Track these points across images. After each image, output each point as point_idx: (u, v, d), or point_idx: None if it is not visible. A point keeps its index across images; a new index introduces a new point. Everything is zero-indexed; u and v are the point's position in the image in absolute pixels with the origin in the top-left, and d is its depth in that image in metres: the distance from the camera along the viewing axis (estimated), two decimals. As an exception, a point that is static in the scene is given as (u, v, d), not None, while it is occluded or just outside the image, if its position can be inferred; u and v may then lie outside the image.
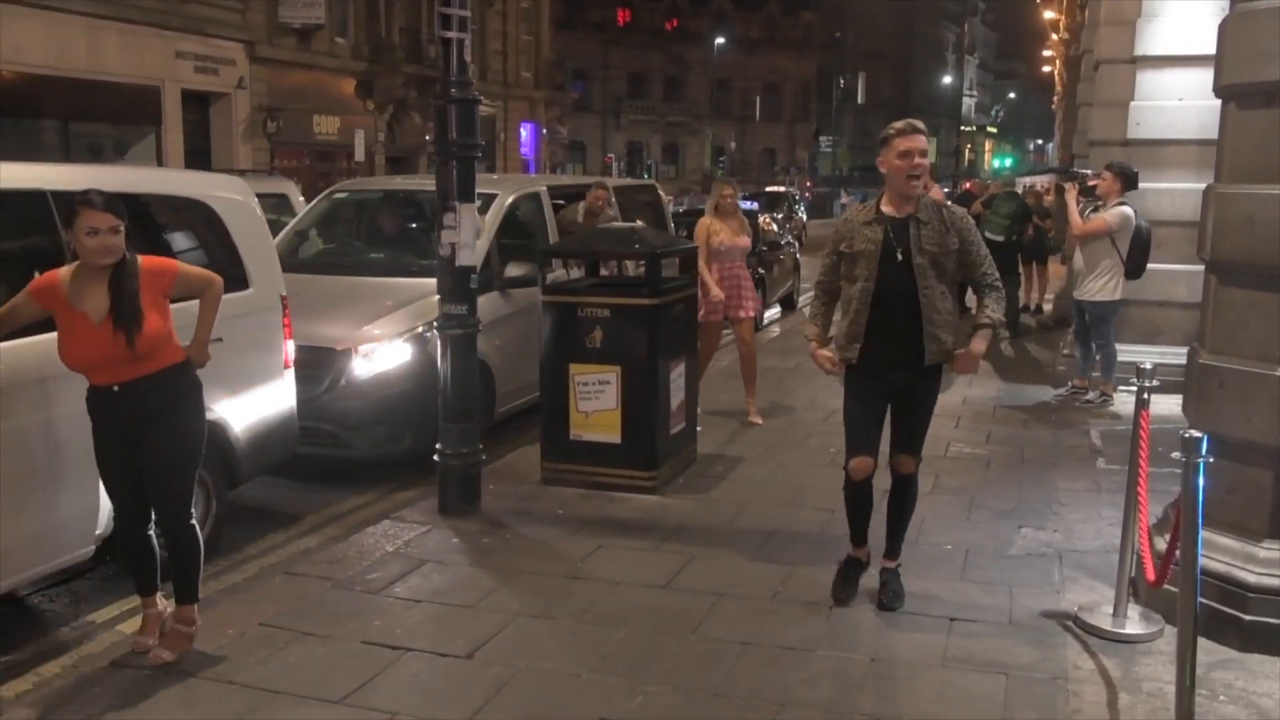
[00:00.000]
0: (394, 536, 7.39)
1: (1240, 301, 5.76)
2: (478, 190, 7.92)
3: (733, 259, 10.59)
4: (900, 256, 5.79)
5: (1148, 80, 11.97)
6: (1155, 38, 11.81)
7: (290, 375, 7.88)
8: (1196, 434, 4.45)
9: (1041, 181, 30.97)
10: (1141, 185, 11.04)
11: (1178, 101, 11.56)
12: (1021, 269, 18.11)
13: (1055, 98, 54.65)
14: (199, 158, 28.05)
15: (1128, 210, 10.80)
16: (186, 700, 5.15)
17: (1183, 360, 6.46)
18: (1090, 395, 11.50)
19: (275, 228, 10.55)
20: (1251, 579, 5.55)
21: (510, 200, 11.07)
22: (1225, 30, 5.96)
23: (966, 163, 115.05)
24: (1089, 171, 12.18)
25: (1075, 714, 5.01)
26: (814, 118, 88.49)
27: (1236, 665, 5.41)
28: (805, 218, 30.71)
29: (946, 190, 22.67)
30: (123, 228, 5.22)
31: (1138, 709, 5.05)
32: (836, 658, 5.51)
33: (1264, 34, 5.58)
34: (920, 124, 5.93)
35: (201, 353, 5.61)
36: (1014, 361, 14.54)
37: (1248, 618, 5.52)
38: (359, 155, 34.37)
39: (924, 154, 5.80)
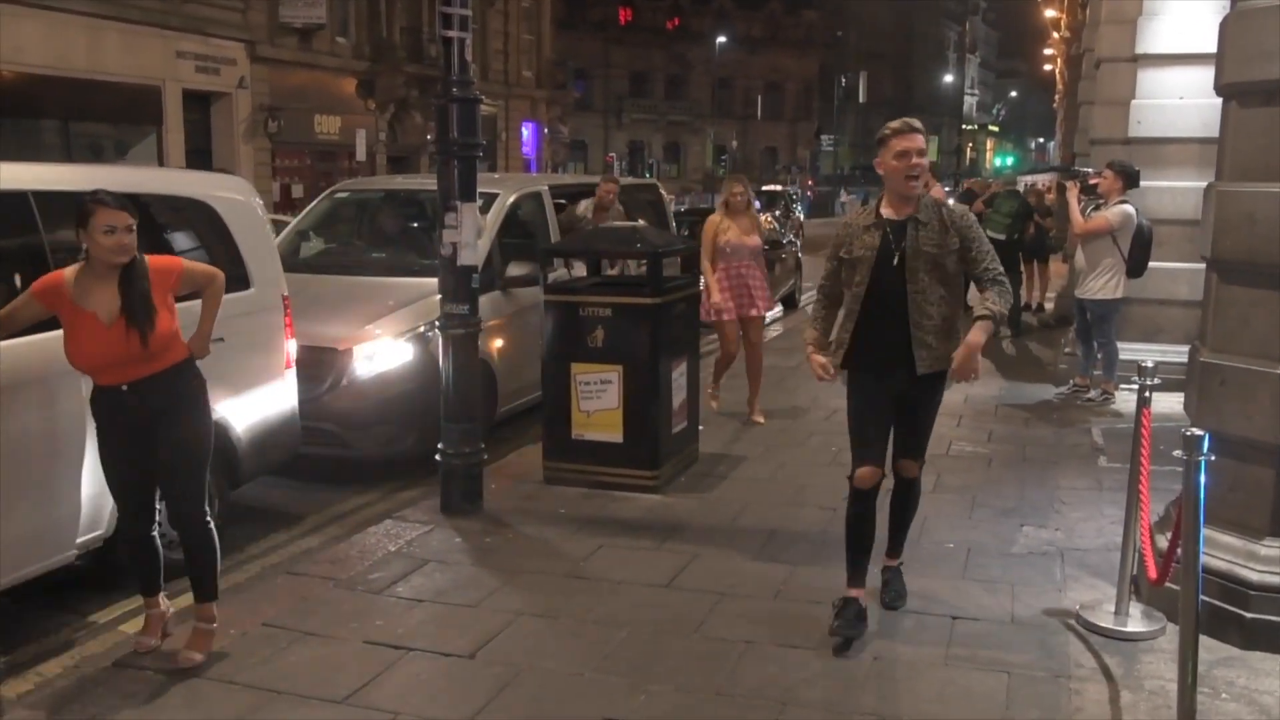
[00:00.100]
0: (396, 536, 7.39)
1: (1241, 300, 5.77)
2: (479, 189, 7.92)
3: (740, 258, 10.48)
4: (898, 260, 5.64)
5: (1149, 79, 11.96)
6: (1156, 36, 11.81)
7: (292, 375, 7.88)
8: (1198, 432, 4.45)
9: (1043, 180, 31.00)
10: (1143, 184, 11.04)
11: (1179, 100, 11.56)
12: (1023, 268, 18.11)
13: (1056, 96, 54.63)
14: (200, 158, 28.04)
15: (1129, 209, 10.80)
16: (189, 700, 5.15)
17: (1184, 358, 6.46)
18: (1092, 393, 11.50)
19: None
20: (1253, 576, 5.55)
21: (512, 199, 11.07)
22: (1226, 29, 5.96)
23: (968, 161, 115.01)
24: (1090, 170, 12.17)
25: (1077, 712, 5.01)
26: (816, 117, 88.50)
27: (1238, 663, 5.41)
28: (802, 217, 30.73)
29: (948, 189, 22.62)
30: (135, 226, 5.24)
31: (1140, 707, 5.05)
32: (839, 656, 5.50)
33: (1265, 33, 5.58)
34: (917, 123, 5.80)
35: (204, 346, 5.61)
36: (1016, 360, 14.54)
37: (1249, 615, 5.53)
38: (360, 155, 34.37)
39: (922, 153, 5.68)
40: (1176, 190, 11.47)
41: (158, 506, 5.76)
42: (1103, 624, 5.84)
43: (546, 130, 50.66)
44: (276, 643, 5.69)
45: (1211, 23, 6.63)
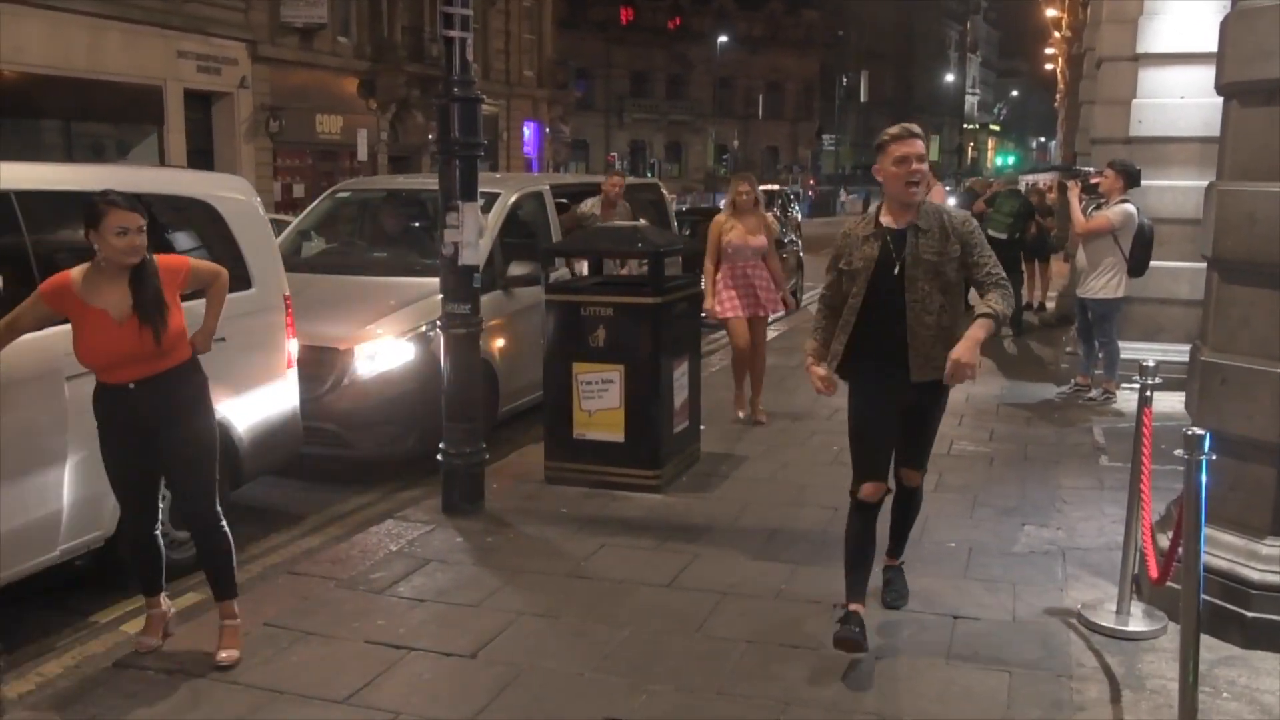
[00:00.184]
0: (397, 536, 7.40)
1: (1242, 299, 5.77)
2: (480, 189, 7.92)
3: (744, 259, 10.33)
4: (898, 269, 5.51)
5: (1150, 78, 11.97)
6: (1157, 35, 11.81)
7: (293, 375, 7.89)
8: (1199, 431, 4.45)
9: (1044, 179, 30.99)
10: (1144, 183, 11.04)
11: (1180, 99, 11.57)
12: (1024, 267, 18.12)
13: (1057, 96, 54.62)
14: (201, 157, 28.04)
15: (1130, 208, 10.80)
16: (190, 700, 5.15)
17: (1185, 357, 6.46)
18: (1093, 393, 11.50)
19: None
20: (1254, 576, 5.56)
21: (513, 199, 11.07)
22: (1226, 28, 5.96)
23: (969, 161, 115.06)
24: (1091, 169, 12.16)
25: (1079, 711, 5.02)
26: (817, 116, 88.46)
27: (1240, 662, 5.41)
28: (800, 217, 30.68)
29: (949, 189, 22.61)
30: (145, 226, 5.27)
31: (1141, 706, 5.06)
32: (840, 656, 5.50)
33: (1265, 32, 5.58)
34: (916, 128, 5.65)
35: (208, 342, 5.64)
36: (1017, 359, 14.54)
37: (1250, 614, 5.53)
38: (362, 154, 34.37)
39: (922, 159, 5.54)
40: (1177, 189, 11.48)
41: (160, 505, 5.76)
42: (1104, 623, 5.84)
43: (548, 130, 50.66)
44: (278, 643, 5.69)
45: (1212, 22, 6.63)
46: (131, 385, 5.29)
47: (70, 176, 7.23)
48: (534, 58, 49.03)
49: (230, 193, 7.76)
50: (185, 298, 5.54)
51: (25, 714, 5.09)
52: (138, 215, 5.22)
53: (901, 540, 6.31)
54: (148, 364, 5.28)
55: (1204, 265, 6.21)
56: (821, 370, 5.79)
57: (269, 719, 5.01)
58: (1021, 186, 22.26)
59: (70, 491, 6.03)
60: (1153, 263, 11.02)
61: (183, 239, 7.24)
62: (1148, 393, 5.90)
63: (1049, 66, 65.96)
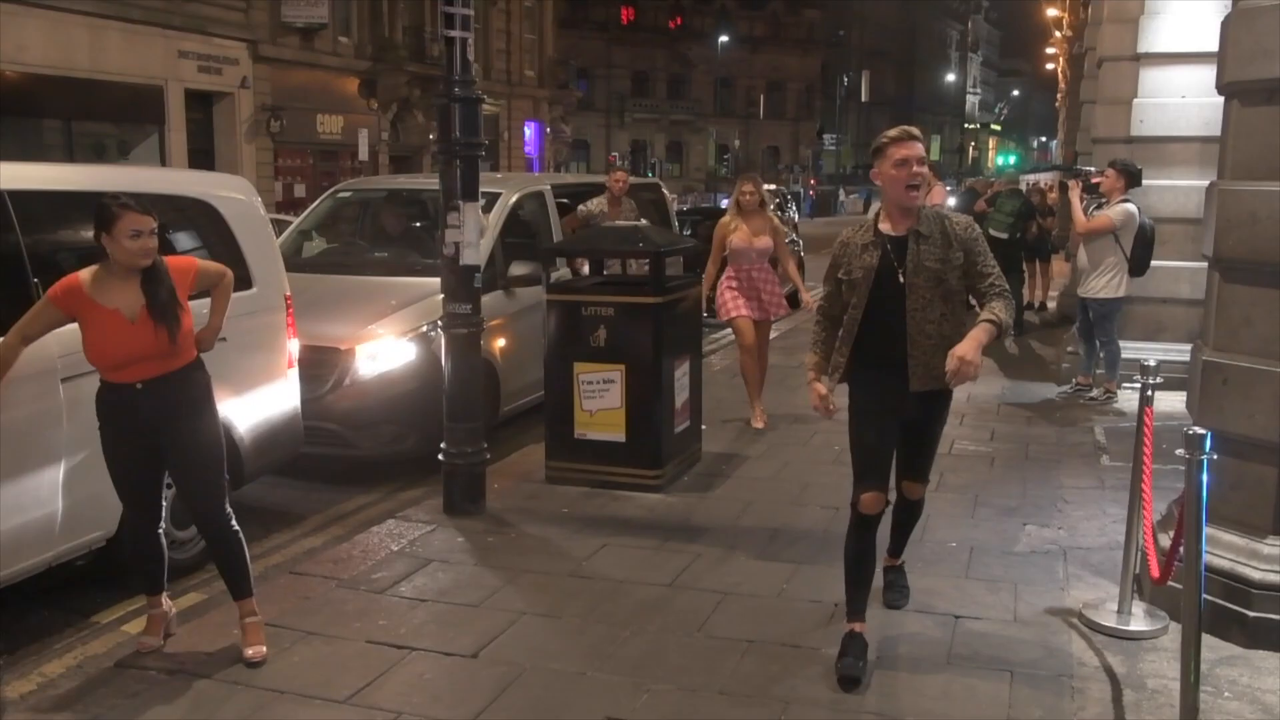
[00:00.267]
0: (399, 536, 7.40)
1: (1243, 298, 5.77)
2: (481, 189, 7.93)
3: (748, 261, 10.20)
4: (900, 278, 5.34)
5: (1151, 77, 11.96)
6: (1158, 35, 11.80)
7: (294, 375, 7.88)
8: (1200, 431, 4.45)
9: (1045, 179, 30.98)
10: (1145, 182, 11.04)
11: (1181, 99, 11.55)
12: (1025, 267, 18.12)
13: (1058, 95, 54.63)
14: (202, 157, 28.07)
15: (1131, 207, 10.80)
16: (191, 700, 5.15)
17: (1186, 357, 6.46)
18: (1094, 392, 11.51)
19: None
20: (1255, 575, 5.56)
21: (514, 199, 11.07)
22: (1227, 28, 5.96)
23: (970, 160, 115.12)
24: (1092, 169, 12.15)
25: (1080, 711, 5.02)
26: (818, 116, 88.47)
27: (1241, 661, 5.42)
28: (796, 217, 30.70)
29: (950, 189, 22.62)
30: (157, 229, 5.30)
31: (1142, 706, 5.05)
32: (841, 655, 5.51)
33: (1266, 31, 5.59)
34: (915, 130, 5.47)
35: (212, 341, 5.66)
36: (1018, 359, 14.54)
37: (1252, 614, 5.53)
38: (363, 154, 34.37)
39: (922, 161, 5.36)
40: (1178, 189, 11.47)
41: (163, 505, 5.76)
42: (1105, 623, 5.84)
43: (549, 129, 50.67)
44: (279, 642, 5.68)
45: (1213, 22, 6.63)
46: (139, 385, 5.29)
47: (68, 176, 7.24)
48: (535, 57, 49.03)
49: (231, 193, 7.76)
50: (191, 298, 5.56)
51: (26, 714, 5.09)
52: (151, 218, 5.24)
53: (902, 541, 6.25)
54: (158, 364, 5.30)
55: (1205, 265, 6.21)
56: (823, 389, 5.63)
57: (271, 719, 5.01)
58: (1023, 186, 22.26)
59: (67, 492, 6.02)
60: (1154, 262, 11.02)
61: (183, 239, 7.24)
62: (1149, 392, 5.90)
63: (1050, 66, 66.03)
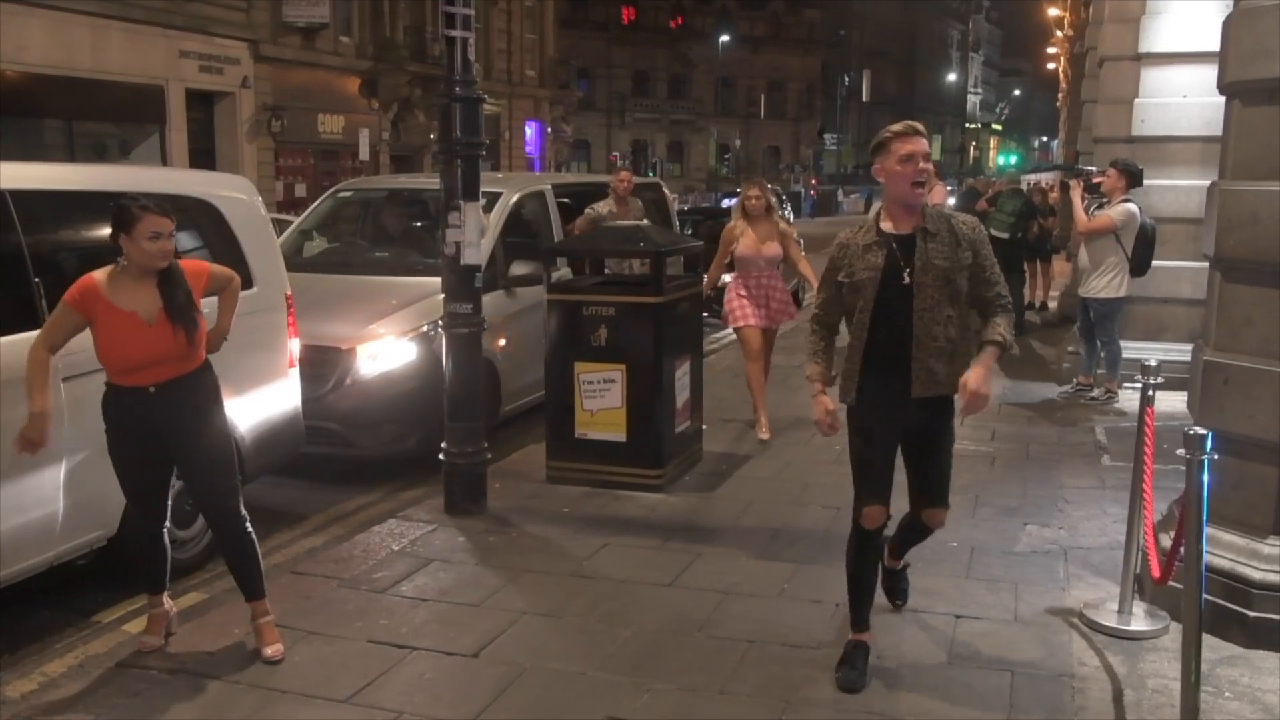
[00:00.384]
0: (400, 535, 7.40)
1: (1244, 298, 5.77)
2: (482, 189, 7.93)
3: (757, 269, 9.95)
4: (907, 278, 5.10)
5: (1152, 77, 11.95)
6: (1159, 35, 11.80)
7: (295, 374, 7.89)
8: (1201, 431, 4.45)
9: (1046, 179, 30.95)
10: (1146, 182, 11.04)
11: (1182, 99, 11.55)
12: (1026, 266, 18.12)
13: (1059, 95, 54.55)
14: (203, 157, 28.08)
15: (1132, 207, 10.81)
16: (193, 700, 5.15)
17: (1187, 357, 6.46)
18: (1095, 392, 11.51)
19: None
20: (1256, 575, 5.56)
21: (515, 199, 11.07)
22: (1229, 27, 5.97)
23: (971, 160, 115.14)
24: (1093, 169, 12.15)
25: (1080, 711, 5.02)
26: (819, 115, 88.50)
27: (1241, 661, 5.42)
28: (791, 217, 30.68)
29: (950, 189, 22.59)
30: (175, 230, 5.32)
31: (1143, 706, 5.06)
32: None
33: (1267, 31, 5.59)
34: (920, 125, 5.22)
35: (219, 343, 5.70)
36: (1019, 359, 14.52)
37: (1252, 614, 5.53)
38: (364, 154, 34.36)
39: (927, 157, 5.13)
40: (1180, 189, 11.46)
41: (169, 505, 5.76)
42: (1106, 623, 5.84)
43: (550, 129, 50.66)
44: (280, 642, 5.69)
45: (1214, 21, 6.63)
46: (152, 388, 5.30)
47: (70, 176, 7.24)
48: (536, 57, 49.03)
49: (232, 192, 7.76)
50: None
51: (28, 713, 5.09)
52: (170, 220, 5.26)
53: (907, 548, 5.97)
54: (172, 367, 5.31)
55: (1206, 264, 6.21)
56: (830, 404, 5.34)
57: (272, 718, 5.02)
58: (1024, 186, 22.25)
59: (68, 491, 6.02)
60: (1155, 262, 11.02)
61: (185, 239, 7.20)
62: (1150, 392, 5.90)
63: (1051, 66, 65.97)
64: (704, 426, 9.40)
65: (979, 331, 5.28)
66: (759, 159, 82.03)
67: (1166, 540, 5.56)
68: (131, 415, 5.36)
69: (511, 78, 46.22)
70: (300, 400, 7.96)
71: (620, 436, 8.34)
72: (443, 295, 7.82)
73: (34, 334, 5.54)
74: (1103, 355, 11.42)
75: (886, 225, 5.22)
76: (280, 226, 11.25)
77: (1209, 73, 6.69)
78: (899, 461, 5.43)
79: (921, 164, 5.09)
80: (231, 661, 5.52)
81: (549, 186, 12.03)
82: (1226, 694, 5.13)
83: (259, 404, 7.45)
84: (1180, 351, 8.29)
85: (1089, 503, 8.00)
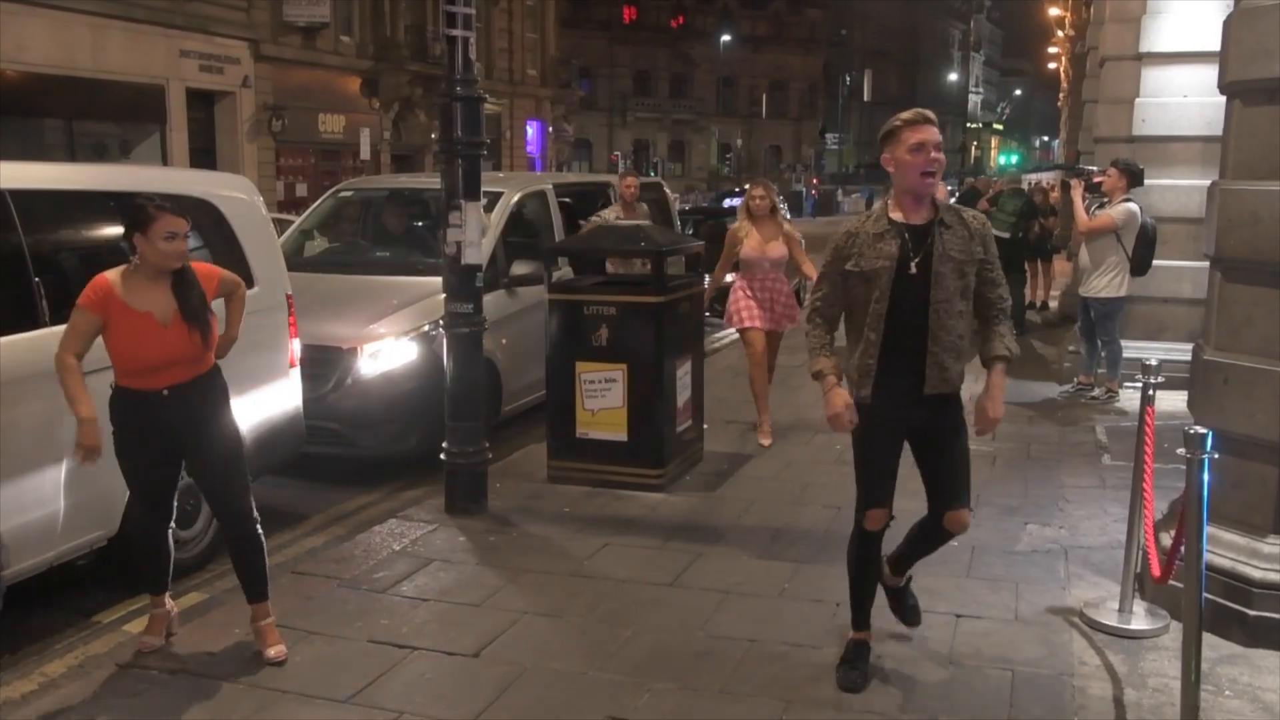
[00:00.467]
0: (400, 535, 7.40)
1: (1245, 298, 5.77)
2: (483, 188, 7.94)
3: (763, 271, 9.80)
4: (915, 269, 4.90)
5: (1153, 77, 11.96)
6: (1160, 34, 11.80)
7: (296, 374, 7.88)
8: (1201, 430, 4.45)
9: (1047, 178, 30.95)
10: (1146, 182, 11.04)
11: (1183, 98, 11.55)
12: (1027, 266, 18.12)
13: (1061, 95, 54.53)
14: (204, 157, 28.07)
15: (1133, 207, 10.81)
16: (194, 700, 5.15)
17: (1188, 356, 6.46)
18: (1096, 392, 11.51)
19: None
20: (1256, 574, 5.56)
21: (516, 198, 11.08)
22: (1229, 27, 5.97)
23: (972, 160, 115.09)
24: (1095, 168, 12.16)
25: (1081, 709, 5.02)
26: (820, 115, 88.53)
27: (1242, 660, 5.42)
28: (788, 216, 30.79)
29: (950, 188, 22.61)
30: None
31: (1143, 704, 5.06)
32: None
33: (1268, 31, 5.59)
34: (931, 114, 5.06)
35: (228, 349, 5.71)
36: (1019, 358, 14.49)
37: (1252, 613, 5.54)
38: (364, 153, 34.34)
39: (939, 147, 4.93)
40: (1180, 188, 11.46)
41: (174, 506, 5.77)
42: (1106, 622, 5.84)
43: (551, 129, 50.65)
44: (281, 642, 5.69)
45: (1215, 21, 6.63)
46: (165, 391, 5.29)
47: (70, 176, 7.24)
48: (537, 56, 49.01)
49: (232, 192, 7.76)
50: None
51: (28, 714, 5.09)
52: (185, 221, 5.28)
53: (913, 562, 5.61)
54: (186, 369, 5.32)
55: (1206, 264, 6.21)
56: (847, 396, 5.07)
57: (273, 718, 5.02)
58: (1025, 185, 22.25)
59: (69, 491, 6.02)
60: (1155, 262, 11.02)
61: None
62: (1150, 391, 5.91)
63: (1052, 66, 65.87)
64: (705, 426, 9.39)
65: (976, 332, 5.21)
66: (760, 158, 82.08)
67: (1167, 539, 5.56)
68: (142, 417, 5.34)
69: (513, 77, 46.22)
70: (301, 400, 7.96)
71: (621, 436, 8.34)
72: (444, 295, 7.82)
73: (33, 334, 5.55)
74: (1103, 355, 11.42)
75: (896, 215, 5.02)
76: (281, 226, 11.25)
77: (1209, 72, 6.70)
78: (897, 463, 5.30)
79: (933, 153, 4.91)
80: (232, 662, 5.52)
81: (550, 186, 12.03)
82: (1227, 692, 5.13)
83: (260, 403, 7.44)
84: (1181, 351, 8.29)
85: (1090, 502, 8.00)
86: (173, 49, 27.07)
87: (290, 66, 31.73)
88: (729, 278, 10.53)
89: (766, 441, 9.86)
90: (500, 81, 43.65)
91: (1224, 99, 6.14)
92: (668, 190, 15.65)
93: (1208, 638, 4.83)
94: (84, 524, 6.17)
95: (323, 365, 8.74)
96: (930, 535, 5.38)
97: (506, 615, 6.07)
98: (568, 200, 12.41)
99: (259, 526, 5.63)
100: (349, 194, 12.62)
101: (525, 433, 10.22)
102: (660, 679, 5.31)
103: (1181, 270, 11.43)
